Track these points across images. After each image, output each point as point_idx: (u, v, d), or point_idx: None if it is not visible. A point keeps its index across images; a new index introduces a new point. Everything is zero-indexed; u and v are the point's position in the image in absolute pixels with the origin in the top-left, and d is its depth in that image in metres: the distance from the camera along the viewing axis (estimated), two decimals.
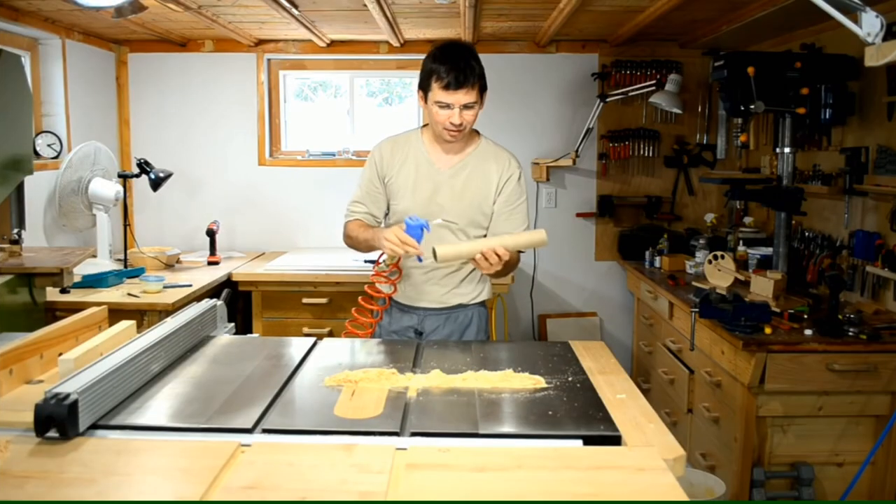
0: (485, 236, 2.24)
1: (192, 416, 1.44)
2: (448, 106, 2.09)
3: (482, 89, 2.12)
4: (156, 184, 3.67)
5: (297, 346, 1.99)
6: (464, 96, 2.07)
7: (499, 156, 2.26)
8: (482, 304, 2.36)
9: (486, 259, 1.95)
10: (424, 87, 2.14)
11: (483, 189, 2.22)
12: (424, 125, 2.32)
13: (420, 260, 2.05)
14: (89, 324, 1.92)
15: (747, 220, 3.71)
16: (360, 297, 2.29)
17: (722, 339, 2.58)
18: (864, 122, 2.87)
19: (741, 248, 3.39)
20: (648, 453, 1.31)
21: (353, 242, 2.31)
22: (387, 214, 2.34)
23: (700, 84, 4.12)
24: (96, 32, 3.80)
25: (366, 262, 3.60)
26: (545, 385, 1.65)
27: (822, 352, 2.39)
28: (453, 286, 2.29)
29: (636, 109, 4.16)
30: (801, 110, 2.79)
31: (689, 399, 3.05)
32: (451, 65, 2.06)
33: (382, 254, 2.20)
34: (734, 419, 2.54)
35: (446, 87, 2.06)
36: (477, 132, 2.29)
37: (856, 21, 1.84)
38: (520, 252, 2.20)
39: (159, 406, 1.51)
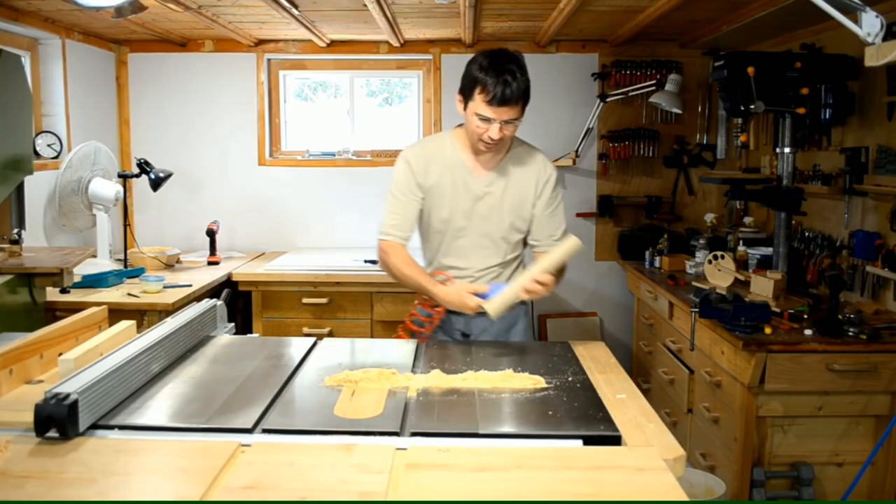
0: (524, 240, 2.23)
1: (192, 416, 1.44)
2: (489, 120, 2.00)
3: (526, 103, 2.03)
4: (156, 184, 3.67)
5: (297, 346, 1.99)
6: (507, 112, 1.98)
7: (534, 159, 2.19)
8: (524, 302, 2.26)
9: (533, 291, 1.96)
10: (466, 94, 2.04)
11: (522, 195, 2.16)
12: (458, 125, 2.22)
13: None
14: (89, 324, 1.92)
15: (747, 220, 3.71)
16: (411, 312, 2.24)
17: (722, 339, 2.58)
18: (864, 122, 2.87)
19: (741, 248, 3.38)
20: (648, 453, 1.31)
21: (395, 275, 2.16)
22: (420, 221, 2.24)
23: (700, 84, 4.12)
24: (96, 32, 3.80)
25: (366, 261, 3.61)
26: (545, 385, 1.65)
27: (822, 352, 2.39)
28: None
29: (636, 109, 4.16)
30: (801, 110, 2.79)
31: (689, 399, 3.05)
32: (499, 78, 1.95)
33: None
34: (734, 419, 2.54)
35: (490, 102, 1.97)
36: None
37: (856, 21, 1.84)
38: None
39: (159, 406, 1.51)
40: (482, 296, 2.02)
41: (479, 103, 1.99)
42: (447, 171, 2.15)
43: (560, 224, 2.21)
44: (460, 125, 2.20)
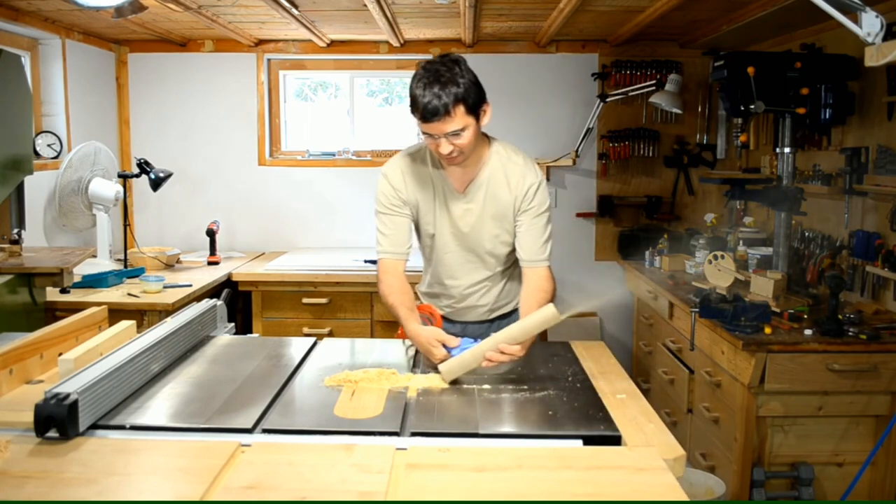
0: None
1: (192, 416, 1.44)
2: (432, 136, 1.86)
3: (471, 109, 1.84)
4: (156, 184, 3.67)
5: (297, 346, 1.99)
6: (442, 125, 1.82)
7: (515, 166, 2.02)
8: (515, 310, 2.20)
9: (495, 361, 1.73)
10: (412, 111, 1.89)
11: (504, 206, 2.03)
12: None
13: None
14: (89, 324, 1.92)
15: (747, 220, 3.71)
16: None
17: (722, 339, 2.58)
18: (864, 122, 2.87)
19: (741, 248, 3.38)
20: (648, 453, 1.31)
21: (382, 300, 2.06)
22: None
23: (700, 84, 4.12)
24: (96, 32, 3.80)
25: (366, 261, 3.61)
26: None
27: (822, 352, 2.39)
28: (492, 302, 2.20)
29: (636, 109, 4.16)
30: (801, 110, 2.79)
31: (689, 399, 3.05)
32: (426, 91, 1.80)
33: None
34: (734, 419, 2.54)
35: (423, 119, 1.83)
36: (488, 139, 2.07)
37: (856, 21, 1.84)
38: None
39: (159, 406, 1.51)
40: (452, 349, 1.83)
41: (418, 120, 1.86)
42: (428, 186, 2.06)
43: (539, 236, 2.03)
44: None
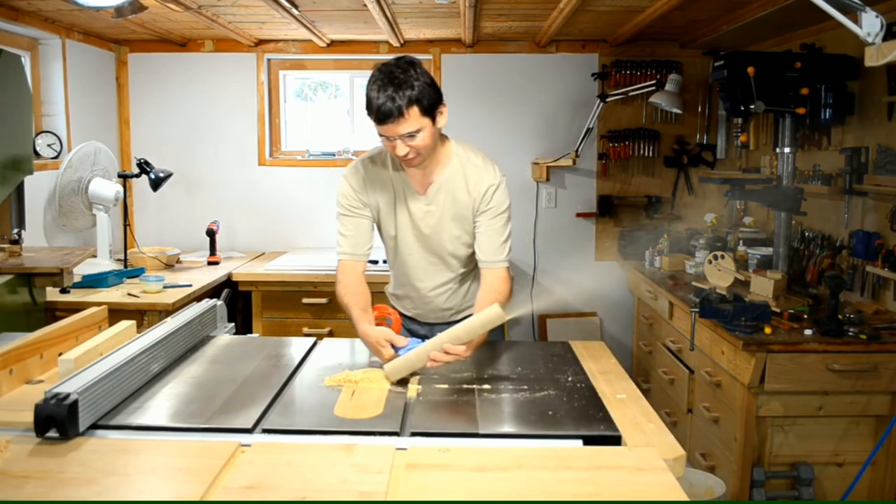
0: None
1: (192, 416, 1.44)
2: (388, 138, 1.86)
3: (426, 110, 1.83)
4: (156, 184, 3.67)
5: (297, 346, 1.99)
6: (396, 127, 1.81)
7: (476, 167, 2.03)
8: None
9: (439, 361, 1.73)
10: (368, 114, 1.88)
11: (463, 207, 2.04)
12: None
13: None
14: (89, 324, 1.92)
15: (747, 220, 3.71)
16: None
17: (722, 339, 2.58)
18: (864, 122, 2.87)
19: (741, 248, 3.38)
20: (648, 453, 1.31)
21: (340, 301, 2.08)
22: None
23: (700, 84, 4.12)
24: (96, 32, 3.80)
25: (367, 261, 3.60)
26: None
27: (822, 352, 2.39)
28: (458, 304, 2.22)
29: (636, 109, 4.16)
30: (801, 110, 2.79)
31: (689, 399, 3.05)
32: (379, 94, 1.80)
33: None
34: (734, 419, 2.54)
35: (377, 121, 1.83)
36: (448, 140, 2.07)
37: (856, 21, 1.84)
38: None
39: (159, 406, 1.51)
40: (399, 349, 1.84)
41: (374, 122, 1.86)
42: (388, 188, 2.07)
43: (497, 238, 2.02)
44: None
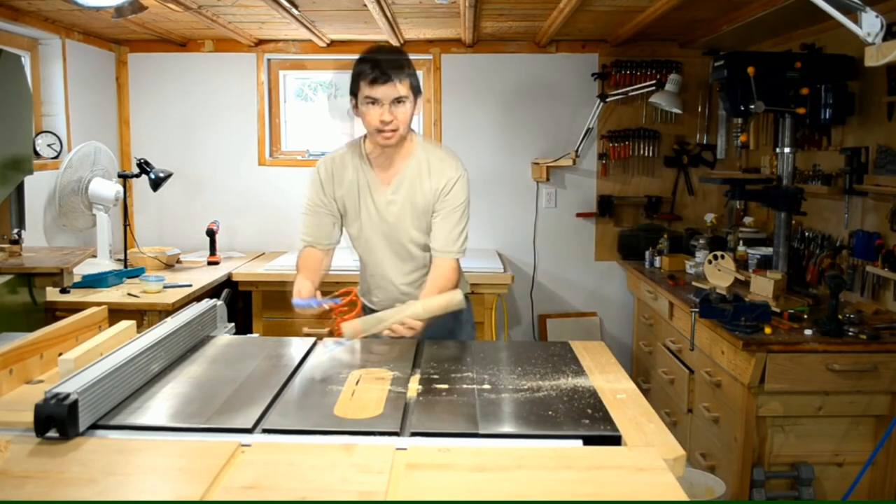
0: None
1: (192, 416, 1.44)
2: (376, 101, 1.98)
3: (414, 89, 2.01)
4: (156, 184, 3.67)
5: (297, 346, 1.99)
6: (392, 90, 1.96)
7: (439, 161, 2.13)
8: (460, 311, 2.21)
9: (398, 333, 1.94)
10: (354, 90, 2.03)
11: (425, 199, 2.13)
12: (363, 136, 2.18)
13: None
14: (89, 324, 1.92)
15: (747, 220, 3.71)
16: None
17: (722, 339, 2.58)
18: (864, 122, 2.87)
19: (741, 248, 3.39)
20: (648, 453, 1.31)
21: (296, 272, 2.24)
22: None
23: (700, 84, 4.12)
24: (96, 32, 3.80)
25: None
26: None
27: (822, 352, 2.39)
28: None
29: (636, 109, 4.16)
30: (801, 110, 2.79)
31: (689, 399, 3.05)
32: (378, 60, 1.96)
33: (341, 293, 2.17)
34: (734, 419, 2.54)
35: (373, 82, 1.95)
36: (413, 133, 2.18)
37: (856, 21, 1.84)
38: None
39: (159, 406, 1.51)
40: (303, 300, 2.07)
41: (364, 88, 1.98)
42: (354, 179, 2.15)
43: (451, 229, 2.11)
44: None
